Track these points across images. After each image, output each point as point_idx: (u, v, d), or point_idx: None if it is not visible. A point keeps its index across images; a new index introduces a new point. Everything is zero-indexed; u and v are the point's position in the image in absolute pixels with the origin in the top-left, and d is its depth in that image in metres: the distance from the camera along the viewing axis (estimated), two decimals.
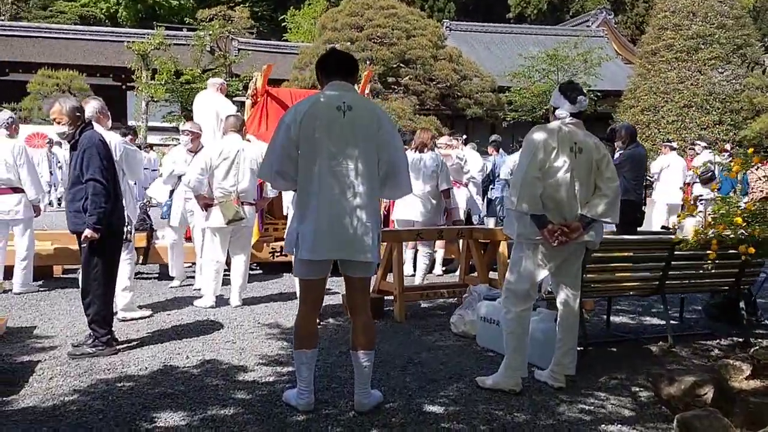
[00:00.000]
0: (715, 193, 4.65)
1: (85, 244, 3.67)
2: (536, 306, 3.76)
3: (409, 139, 7.79)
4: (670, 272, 4.18)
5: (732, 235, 3.62)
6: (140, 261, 6.13)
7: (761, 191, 8.63)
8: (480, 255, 5.27)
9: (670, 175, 9.70)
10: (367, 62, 17.19)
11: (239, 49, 22.60)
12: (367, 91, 7.75)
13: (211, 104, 6.66)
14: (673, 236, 4.05)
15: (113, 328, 3.91)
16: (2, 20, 25.64)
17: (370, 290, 4.96)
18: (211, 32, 19.92)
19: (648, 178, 9.27)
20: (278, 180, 2.95)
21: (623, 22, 32.25)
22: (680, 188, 9.76)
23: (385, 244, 4.98)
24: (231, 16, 21.88)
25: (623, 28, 31.18)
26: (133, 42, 19.18)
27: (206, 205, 4.95)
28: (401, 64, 18.47)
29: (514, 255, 3.43)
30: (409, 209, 5.90)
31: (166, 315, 4.73)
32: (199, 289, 5.37)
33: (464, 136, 9.47)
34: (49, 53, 21.76)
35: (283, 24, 32.90)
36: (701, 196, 4.11)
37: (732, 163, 3.85)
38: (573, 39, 20.43)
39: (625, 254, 4.11)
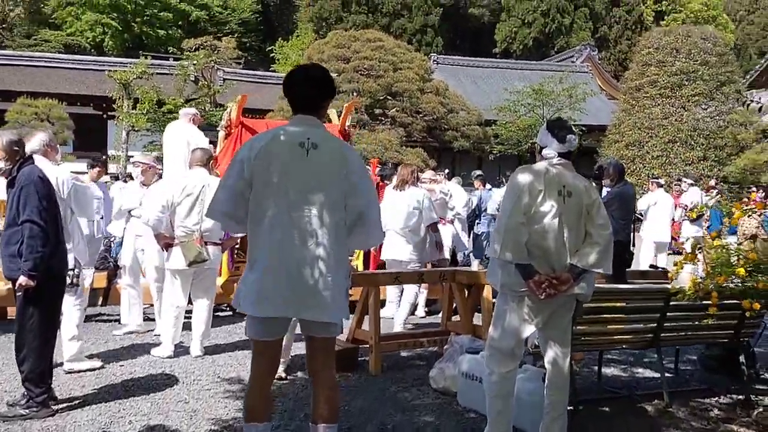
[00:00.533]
0: (704, 231, 4.38)
1: (20, 292, 3.28)
2: (522, 362, 3.42)
3: (389, 174, 7.53)
4: (665, 324, 3.88)
5: (733, 286, 3.35)
6: (100, 302, 5.73)
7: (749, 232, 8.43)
8: (464, 300, 4.93)
9: (657, 213, 9.50)
10: (354, 94, 17.08)
11: (224, 79, 22.44)
12: (348, 123, 7.48)
13: (182, 135, 6.36)
14: (669, 285, 3.76)
15: (54, 384, 3.50)
16: None
17: (345, 338, 4.64)
18: (195, 62, 19.76)
19: (637, 215, 9.05)
20: (228, 221, 2.64)
21: (607, 58, 32.79)
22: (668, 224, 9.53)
23: (361, 288, 4.64)
24: (217, 47, 21.76)
25: (607, 64, 31.66)
26: (116, 71, 18.95)
27: (167, 245, 4.58)
28: (388, 96, 18.40)
29: (497, 307, 3.11)
30: (396, 249, 5.63)
31: (118, 366, 4.31)
32: (159, 335, 4.96)
33: (447, 171, 9.26)
34: (30, 81, 21.42)
35: (271, 55, 32.97)
36: (699, 243, 3.82)
37: (731, 207, 3.58)
38: (558, 74, 20.63)
39: (618, 305, 3.81)
